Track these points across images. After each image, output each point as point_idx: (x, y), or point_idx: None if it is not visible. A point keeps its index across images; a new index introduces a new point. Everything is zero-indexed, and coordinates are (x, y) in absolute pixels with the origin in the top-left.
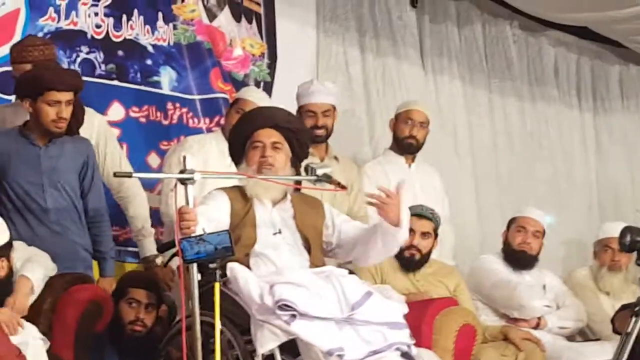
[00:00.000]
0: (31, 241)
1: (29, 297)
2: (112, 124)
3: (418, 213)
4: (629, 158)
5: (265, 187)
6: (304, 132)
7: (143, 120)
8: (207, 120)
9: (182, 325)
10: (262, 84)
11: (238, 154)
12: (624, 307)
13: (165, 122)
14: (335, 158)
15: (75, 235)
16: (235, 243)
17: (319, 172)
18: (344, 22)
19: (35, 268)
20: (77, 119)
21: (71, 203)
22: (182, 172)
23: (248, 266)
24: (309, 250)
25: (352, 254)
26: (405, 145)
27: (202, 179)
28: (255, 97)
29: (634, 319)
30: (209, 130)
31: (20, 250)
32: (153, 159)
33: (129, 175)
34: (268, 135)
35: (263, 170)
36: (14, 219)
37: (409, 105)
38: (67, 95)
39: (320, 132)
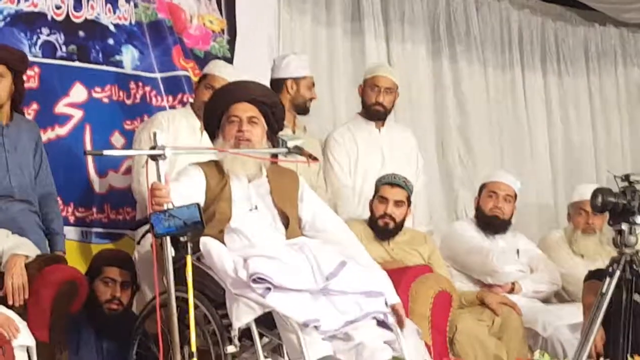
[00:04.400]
0: (4, 221)
1: (24, 271)
2: (75, 105)
3: (391, 182)
4: (593, 120)
5: (242, 162)
6: (279, 106)
7: (106, 100)
8: (170, 98)
9: (156, 301)
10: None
11: (213, 128)
12: (590, 276)
13: (129, 102)
14: (305, 129)
15: (33, 214)
16: (210, 219)
17: (290, 144)
18: None
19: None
20: (19, 95)
21: (30, 182)
22: (152, 148)
23: (222, 242)
24: (286, 225)
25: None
26: (373, 112)
27: (173, 155)
28: (223, 72)
29: (608, 279)
30: (172, 107)
31: (2, 238)
32: (117, 139)
33: (100, 154)
34: (244, 110)
35: (240, 144)
36: None
37: (374, 72)
38: None
39: None
